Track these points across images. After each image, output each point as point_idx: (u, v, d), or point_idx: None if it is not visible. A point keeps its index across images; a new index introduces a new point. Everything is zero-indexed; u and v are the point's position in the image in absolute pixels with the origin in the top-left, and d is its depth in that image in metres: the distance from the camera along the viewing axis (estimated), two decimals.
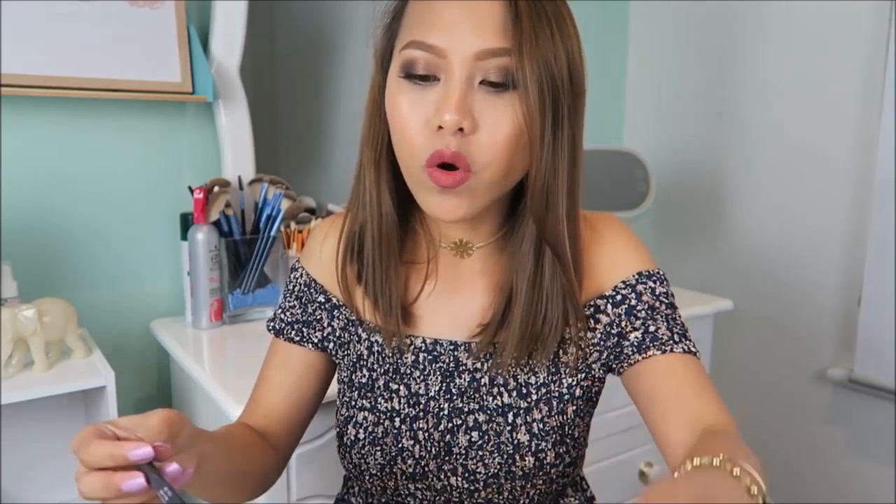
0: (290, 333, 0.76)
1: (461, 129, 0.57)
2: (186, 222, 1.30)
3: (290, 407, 0.75)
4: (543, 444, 0.66)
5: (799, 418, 1.76)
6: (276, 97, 1.58)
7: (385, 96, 0.62)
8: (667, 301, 0.68)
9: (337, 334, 0.74)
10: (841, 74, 1.60)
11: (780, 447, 1.81)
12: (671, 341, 0.65)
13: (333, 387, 0.79)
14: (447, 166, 0.58)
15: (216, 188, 1.31)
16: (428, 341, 0.70)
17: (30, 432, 1.21)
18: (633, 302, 0.67)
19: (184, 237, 1.31)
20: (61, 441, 1.24)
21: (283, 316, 0.77)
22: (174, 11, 1.28)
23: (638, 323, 0.66)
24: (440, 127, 0.57)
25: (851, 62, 1.58)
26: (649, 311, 0.67)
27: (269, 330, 0.78)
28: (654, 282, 0.69)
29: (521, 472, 0.65)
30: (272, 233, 1.34)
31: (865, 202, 1.55)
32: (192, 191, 1.26)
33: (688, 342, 0.66)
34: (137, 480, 0.48)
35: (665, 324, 0.66)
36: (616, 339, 0.67)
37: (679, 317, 0.69)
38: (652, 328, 0.66)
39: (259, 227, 1.35)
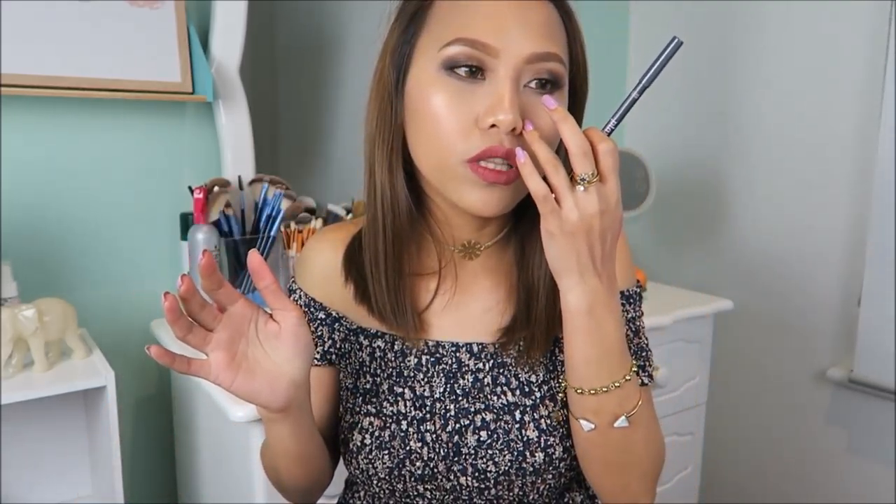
0: None
1: (513, 129, 0.58)
2: (186, 222, 1.30)
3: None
4: (552, 439, 0.67)
5: (799, 418, 1.76)
6: (276, 97, 1.58)
7: (416, 92, 0.62)
8: (634, 327, 0.72)
9: (338, 346, 0.74)
10: (841, 74, 1.60)
11: (780, 447, 1.81)
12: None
13: None
14: (492, 161, 0.59)
15: (216, 188, 1.31)
16: (430, 344, 0.70)
17: (30, 432, 1.21)
18: None
19: (184, 237, 1.31)
20: (61, 441, 1.24)
21: None
22: (174, 11, 1.28)
23: None
24: (493, 125, 0.58)
25: (851, 62, 1.58)
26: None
27: None
28: (630, 304, 0.72)
29: (531, 469, 0.66)
30: (272, 233, 1.34)
31: (865, 202, 1.55)
32: (192, 191, 1.26)
33: (643, 375, 0.70)
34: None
35: (636, 361, 0.69)
36: None
37: (645, 340, 0.73)
38: None
39: (259, 227, 1.35)
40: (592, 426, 0.62)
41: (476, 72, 0.59)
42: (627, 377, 0.61)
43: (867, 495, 1.64)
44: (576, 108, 0.67)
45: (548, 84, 0.60)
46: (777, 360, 1.79)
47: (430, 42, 0.61)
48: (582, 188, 0.54)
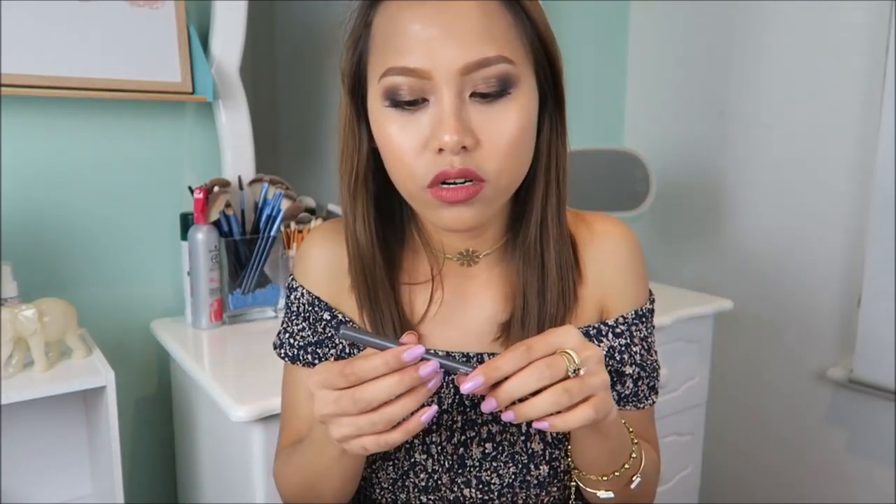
0: (307, 357, 0.72)
1: (464, 147, 0.55)
2: (186, 222, 1.30)
3: None
4: (557, 452, 0.66)
5: (799, 418, 1.76)
6: (276, 97, 1.58)
7: (372, 120, 0.61)
8: (646, 344, 0.72)
9: (347, 351, 0.71)
10: (841, 75, 1.60)
11: (780, 447, 1.81)
12: (645, 399, 0.71)
13: None
14: (452, 182, 0.57)
15: (216, 188, 1.31)
16: (440, 354, 0.69)
17: (30, 432, 1.21)
18: (626, 340, 0.69)
19: (184, 237, 1.31)
20: (61, 441, 1.24)
21: (292, 340, 0.73)
22: (174, 11, 1.28)
23: (627, 376, 0.70)
24: (441, 149, 0.55)
25: (851, 62, 1.58)
26: (639, 365, 0.70)
27: (282, 356, 0.74)
28: (643, 322, 0.72)
29: (535, 481, 0.65)
30: (272, 233, 1.34)
31: (865, 202, 1.55)
32: (192, 191, 1.26)
33: (654, 395, 0.72)
34: (431, 365, 0.52)
35: (647, 380, 0.71)
36: (611, 370, 0.69)
37: (655, 358, 0.73)
38: (632, 386, 0.70)
39: (259, 227, 1.35)
40: (611, 494, 0.63)
41: (415, 101, 0.57)
42: (633, 455, 0.62)
43: (867, 495, 1.64)
44: (553, 102, 0.63)
45: (489, 95, 0.56)
46: (777, 360, 1.79)
47: (373, 69, 0.60)
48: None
